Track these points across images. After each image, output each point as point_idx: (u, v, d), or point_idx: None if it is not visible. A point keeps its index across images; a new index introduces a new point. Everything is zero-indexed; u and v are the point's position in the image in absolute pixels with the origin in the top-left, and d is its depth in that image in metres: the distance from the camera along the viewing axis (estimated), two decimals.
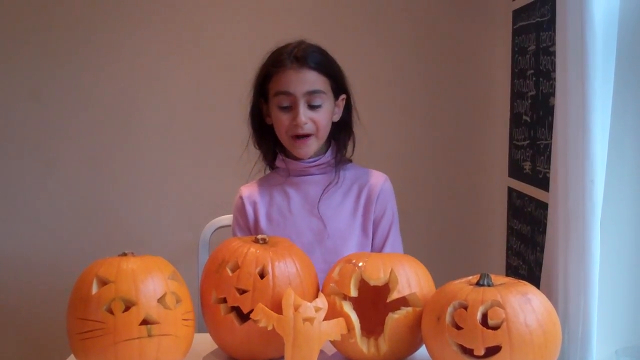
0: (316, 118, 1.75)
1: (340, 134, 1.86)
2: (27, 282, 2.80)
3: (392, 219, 1.85)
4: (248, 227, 1.87)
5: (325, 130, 1.79)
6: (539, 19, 2.18)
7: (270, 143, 1.86)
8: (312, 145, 1.79)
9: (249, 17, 2.68)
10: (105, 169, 2.77)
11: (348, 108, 1.87)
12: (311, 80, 1.74)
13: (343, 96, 1.83)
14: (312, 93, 1.74)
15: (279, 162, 1.86)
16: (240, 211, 1.89)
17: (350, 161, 1.90)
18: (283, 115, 1.76)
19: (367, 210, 1.83)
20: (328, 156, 1.83)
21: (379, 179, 1.87)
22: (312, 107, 1.75)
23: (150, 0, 2.69)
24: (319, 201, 1.81)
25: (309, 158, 1.82)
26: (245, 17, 2.68)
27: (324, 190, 1.82)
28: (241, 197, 1.89)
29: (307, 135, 1.77)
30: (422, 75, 2.70)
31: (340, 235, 1.81)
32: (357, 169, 1.89)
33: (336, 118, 1.83)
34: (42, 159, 2.76)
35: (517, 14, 2.41)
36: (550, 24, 2.05)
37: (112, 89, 2.73)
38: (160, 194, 2.78)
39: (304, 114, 1.74)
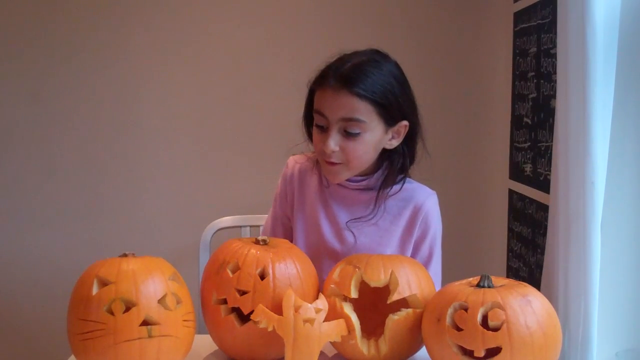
0: (349, 148, 1.56)
1: (394, 161, 1.68)
2: (27, 283, 2.80)
3: (433, 242, 1.74)
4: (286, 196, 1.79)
5: (359, 162, 1.60)
6: (540, 21, 2.18)
7: None
8: (342, 174, 1.62)
9: (250, 17, 2.68)
10: (106, 170, 2.77)
11: (412, 136, 1.68)
12: (349, 106, 1.53)
13: (404, 123, 1.62)
14: (348, 120, 1.54)
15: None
16: (285, 180, 1.79)
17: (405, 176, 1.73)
18: (318, 135, 1.60)
19: (407, 232, 1.71)
20: (373, 180, 1.68)
21: (423, 198, 1.72)
22: (347, 134, 1.56)
23: (151, 1, 2.69)
24: (349, 221, 1.69)
25: (355, 178, 1.68)
26: (247, 18, 2.68)
27: (356, 218, 1.68)
28: (288, 170, 1.79)
29: (336, 163, 1.60)
30: (423, 77, 2.70)
31: (368, 251, 1.68)
32: (405, 185, 1.72)
33: (390, 146, 1.64)
34: (42, 160, 2.77)
35: (518, 16, 2.41)
36: (551, 26, 2.06)
37: (113, 90, 2.73)
38: (161, 195, 2.78)
39: (334, 141, 1.56)
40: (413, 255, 1.72)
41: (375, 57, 1.61)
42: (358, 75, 1.53)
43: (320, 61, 1.65)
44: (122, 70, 2.72)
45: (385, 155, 1.66)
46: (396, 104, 1.58)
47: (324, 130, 1.58)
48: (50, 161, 2.77)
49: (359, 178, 1.68)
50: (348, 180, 1.68)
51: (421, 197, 1.72)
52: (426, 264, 1.73)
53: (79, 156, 2.76)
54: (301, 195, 1.76)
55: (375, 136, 1.58)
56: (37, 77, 2.72)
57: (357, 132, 1.55)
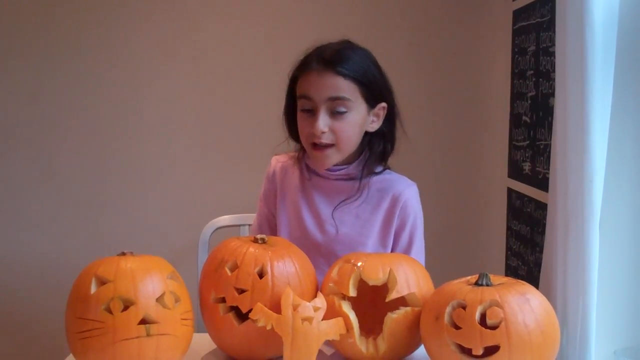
0: (338, 127, 1.61)
1: (374, 145, 1.73)
2: (26, 282, 2.80)
3: (413, 232, 1.75)
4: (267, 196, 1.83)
5: (348, 142, 1.65)
6: (539, 19, 2.18)
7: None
8: (332, 158, 1.66)
9: (250, 18, 2.68)
10: (105, 169, 2.77)
11: (390, 119, 1.74)
12: (335, 85, 1.59)
13: (383, 105, 1.69)
14: (334, 99, 1.60)
15: (308, 162, 1.77)
16: (267, 179, 1.84)
17: (385, 168, 1.78)
18: (304, 120, 1.64)
19: (387, 222, 1.73)
20: (352, 168, 1.71)
21: (401, 188, 1.74)
22: (335, 114, 1.61)
23: (151, 1, 2.69)
24: (334, 209, 1.72)
25: (335, 167, 1.71)
26: (246, 18, 2.68)
27: (340, 202, 1.71)
28: (271, 169, 1.84)
29: (326, 146, 1.64)
30: (422, 75, 2.71)
31: (350, 241, 1.72)
32: (384, 176, 1.76)
33: (372, 128, 1.70)
34: (41, 160, 2.77)
35: (517, 14, 2.41)
36: (550, 25, 2.06)
37: (112, 90, 2.73)
38: (160, 194, 2.78)
39: (323, 121, 1.60)
40: (394, 246, 1.74)
41: (351, 44, 1.67)
42: (340, 57, 1.60)
43: None
44: (121, 71, 2.72)
45: (366, 141, 1.71)
46: (376, 85, 1.66)
47: (311, 114, 1.62)
48: (48, 161, 2.77)
49: (339, 167, 1.71)
50: (329, 170, 1.71)
51: (400, 187, 1.75)
52: (406, 253, 1.74)
53: (77, 156, 2.76)
54: (283, 192, 1.79)
55: (360, 116, 1.64)
56: (37, 77, 2.72)
57: (344, 110, 1.60)
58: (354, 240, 1.72)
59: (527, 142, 2.29)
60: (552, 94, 1.96)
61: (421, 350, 1.42)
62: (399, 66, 2.69)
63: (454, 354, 1.28)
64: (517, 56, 2.42)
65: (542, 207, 2.11)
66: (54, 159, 2.76)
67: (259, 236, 1.49)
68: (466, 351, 1.27)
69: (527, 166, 2.30)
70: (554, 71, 1.82)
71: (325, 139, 1.62)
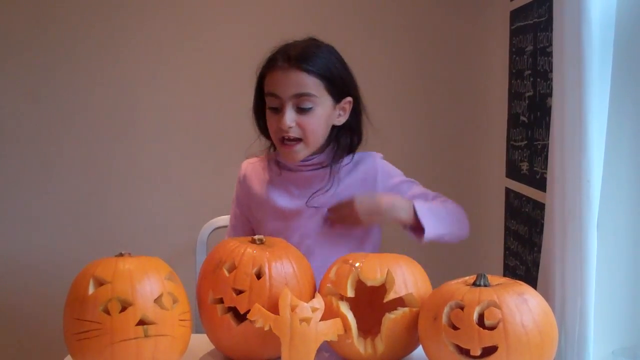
0: (304, 122, 1.67)
1: (341, 138, 1.78)
2: (23, 283, 2.80)
3: (403, 187, 1.82)
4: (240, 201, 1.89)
5: (315, 136, 1.71)
6: (536, 20, 2.18)
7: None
8: (300, 152, 1.72)
9: (248, 17, 2.68)
10: (103, 169, 2.77)
11: (356, 112, 1.79)
12: (299, 82, 1.66)
13: (348, 99, 1.75)
14: (299, 96, 1.66)
15: (278, 156, 1.82)
16: (238, 183, 1.90)
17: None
18: (272, 117, 1.70)
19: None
20: (323, 156, 1.77)
21: (370, 160, 1.82)
22: (300, 110, 1.67)
23: (150, 3, 2.69)
24: (307, 200, 1.76)
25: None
26: (245, 17, 2.68)
27: (313, 194, 1.76)
28: (241, 172, 1.90)
29: (294, 140, 1.69)
30: (419, 75, 2.71)
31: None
32: (351, 158, 1.81)
33: (339, 122, 1.76)
34: (39, 159, 2.76)
35: (515, 15, 2.41)
36: (547, 25, 2.05)
37: (110, 89, 2.73)
38: (158, 194, 2.78)
39: (289, 117, 1.66)
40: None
41: (315, 42, 1.74)
42: (304, 55, 1.66)
43: None
44: (120, 70, 2.72)
45: (333, 134, 1.76)
46: (340, 80, 1.71)
47: (278, 111, 1.68)
48: (47, 161, 2.76)
49: (310, 157, 1.76)
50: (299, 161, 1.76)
51: (368, 160, 1.82)
52: (415, 194, 1.81)
53: (75, 156, 2.76)
54: (255, 192, 1.83)
55: (326, 110, 1.70)
56: (36, 76, 2.72)
57: (310, 106, 1.67)
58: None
59: (525, 142, 2.29)
60: (550, 94, 1.96)
61: (419, 351, 1.42)
62: (396, 66, 2.71)
63: (452, 355, 1.28)
64: (514, 56, 2.42)
65: (540, 207, 2.11)
66: (52, 159, 2.76)
67: (256, 237, 1.49)
68: (464, 352, 1.28)
69: (524, 166, 2.30)
70: (551, 71, 1.82)
71: (293, 134, 1.68)
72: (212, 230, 2.19)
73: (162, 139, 2.75)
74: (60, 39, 2.70)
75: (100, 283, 1.32)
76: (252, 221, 1.88)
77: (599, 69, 1.49)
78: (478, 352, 1.26)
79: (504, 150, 2.57)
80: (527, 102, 2.28)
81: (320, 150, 1.77)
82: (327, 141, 1.77)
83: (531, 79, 2.23)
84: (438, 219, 1.72)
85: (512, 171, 2.47)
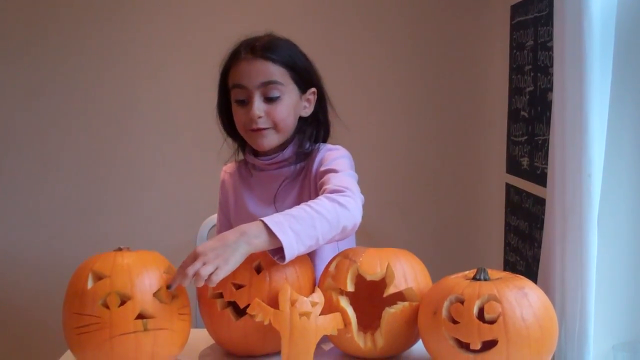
0: (272, 111, 1.63)
1: (306, 130, 1.73)
2: (23, 278, 2.80)
3: (327, 175, 1.60)
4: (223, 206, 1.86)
5: (285, 124, 1.66)
6: (537, 14, 2.17)
7: (240, 137, 1.75)
8: (270, 137, 1.66)
9: (248, 15, 2.67)
10: (103, 166, 2.77)
11: (321, 104, 1.76)
12: (265, 71, 1.63)
13: (312, 90, 1.72)
14: (267, 84, 1.63)
15: (247, 157, 1.78)
16: (220, 189, 1.87)
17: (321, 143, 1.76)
18: (240, 110, 1.66)
19: (306, 179, 1.71)
20: (287, 153, 1.70)
21: (317, 155, 1.70)
22: (268, 99, 1.63)
23: (150, 1, 2.69)
24: (275, 195, 1.71)
25: (269, 155, 1.71)
26: (244, 16, 2.67)
27: (279, 186, 1.70)
28: (221, 179, 1.88)
29: (264, 128, 1.65)
30: (420, 70, 2.70)
31: None
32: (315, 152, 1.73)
33: (306, 113, 1.72)
34: (39, 157, 2.76)
35: (515, 9, 2.41)
36: (548, 19, 2.05)
37: (110, 87, 2.73)
38: (157, 191, 2.78)
39: (258, 107, 1.62)
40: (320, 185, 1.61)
41: (275, 36, 1.72)
42: (268, 45, 1.65)
43: (318, 60, 1.74)
44: (120, 68, 2.72)
45: (298, 127, 1.72)
46: (304, 70, 1.70)
47: (245, 103, 1.65)
48: (46, 158, 2.76)
49: (272, 155, 1.71)
50: (265, 157, 1.71)
51: (319, 155, 1.70)
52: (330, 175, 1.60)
53: (75, 153, 2.76)
54: (231, 202, 1.82)
55: (293, 99, 1.67)
56: (36, 75, 2.72)
57: (277, 95, 1.64)
58: None
59: (525, 137, 2.29)
60: (550, 89, 1.96)
61: (419, 345, 1.42)
62: (396, 62, 2.70)
63: (452, 349, 1.28)
64: (515, 51, 2.42)
65: (541, 202, 2.11)
66: (51, 156, 2.76)
67: None
68: (464, 346, 1.28)
69: (525, 161, 2.30)
70: (552, 66, 1.82)
71: (262, 124, 1.64)
72: (212, 227, 2.19)
73: (162, 135, 2.75)
74: (60, 37, 2.70)
75: (99, 277, 1.32)
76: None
77: (600, 63, 1.49)
78: (478, 346, 1.26)
79: (504, 145, 2.57)
80: (527, 97, 2.27)
81: (285, 145, 1.71)
82: (292, 135, 1.72)
83: (532, 74, 2.22)
84: (303, 226, 1.38)
85: (513, 166, 2.46)
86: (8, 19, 2.70)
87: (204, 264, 1.30)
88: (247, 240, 1.34)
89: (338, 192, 1.47)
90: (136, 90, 2.73)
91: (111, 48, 2.71)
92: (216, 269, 1.30)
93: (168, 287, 1.35)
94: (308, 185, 1.70)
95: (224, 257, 1.32)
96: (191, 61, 2.70)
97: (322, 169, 1.63)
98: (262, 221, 1.36)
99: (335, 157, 1.66)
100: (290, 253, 1.35)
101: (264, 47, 1.64)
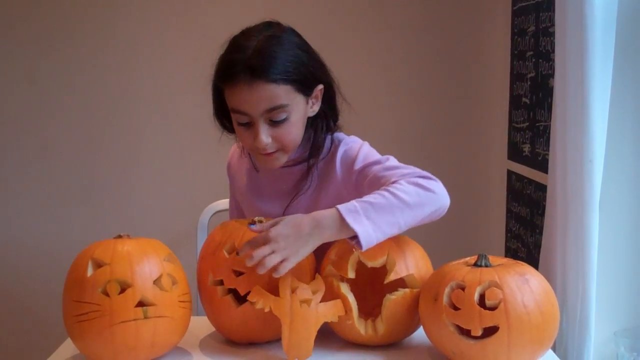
0: (280, 135, 1.48)
1: (318, 126, 1.59)
2: (23, 266, 2.80)
3: (365, 172, 1.53)
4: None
5: (294, 143, 1.53)
6: (538, 0, 2.16)
7: None
8: (280, 158, 1.54)
9: (250, 7, 2.66)
10: (103, 153, 2.76)
11: (329, 94, 1.59)
12: (269, 95, 1.44)
13: (319, 87, 1.54)
14: (271, 110, 1.45)
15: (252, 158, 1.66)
16: (227, 170, 1.80)
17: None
18: (244, 132, 1.51)
19: (343, 185, 1.57)
20: (299, 151, 1.58)
21: (335, 156, 1.58)
22: (274, 123, 1.47)
23: None
24: (287, 206, 1.60)
25: None
26: (246, 7, 2.66)
27: (294, 196, 1.60)
28: (228, 159, 1.79)
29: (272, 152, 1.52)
30: (421, 57, 2.69)
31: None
32: (329, 148, 1.61)
33: (314, 112, 1.56)
34: (37, 143, 2.75)
35: None
36: (549, 5, 2.04)
37: (109, 72, 2.72)
38: (158, 178, 2.77)
39: (264, 134, 1.47)
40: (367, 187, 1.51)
41: (272, 33, 1.50)
42: (267, 61, 1.44)
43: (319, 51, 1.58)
44: (118, 52, 2.71)
45: (309, 124, 1.58)
46: (309, 74, 1.50)
47: (249, 125, 1.49)
48: (46, 144, 2.76)
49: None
50: None
51: (335, 153, 1.60)
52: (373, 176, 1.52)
53: (74, 139, 2.75)
54: (238, 185, 1.76)
55: (300, 112, 1.51)
56: (33, 60, 2.71)
57: (284, 117, 1.47)
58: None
59: (527, 123, 2.28)
60: (552, 75, 1.95)
61: (420, 332, 1.42)
62: (398, 49, 2.69)
63: (453, 335, 1.28)
64: (516, 37, 2.41)
65: (542, 188, 2.10)
66: (49, 142, 2.75)
67: (256, 218, 1.48)
68: (465, 332, 1.27)
69: (526, 148, 2.29)
70: (553, 52, 1.81)
71: (270, 149, 1.50)
72: (213, 214, 2.18)
73: (163, 122, 2.74)
74: (56, 22, 2.68)
75: (98, 265, 1.32)
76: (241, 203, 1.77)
77: (601, 49, 1.48)
78: (479, 333, 1.25)
79: (505, 132, 2.56)
80: (529, 83, 2.27)
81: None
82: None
83: (533, 60, 2.21)
84: (380, 214, 1.35)
85: (514, 153, 2.46)
86: (2, 2, 2.69)
87: (273, 251, 1.30)
88: (320, 233, 1.33)
89: (420, 176, 1.45)
90: (137, 75, 2.72)
91: (110, 31, 2.69)
92: (284, 260, 1.31)
93: (237, 253, 1.38)
94: (327, 181, 1.59)
95: (294, 248, 1.32)
96: (191, 45, 2.68)
97: (359, 166, 1.53)
98: (338, 210, 1.34)
99: (363, 151, 1.56)
100: (367, 242, 1.33)
101: (262, 65, 1.43)
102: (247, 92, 1.44)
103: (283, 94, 1.46)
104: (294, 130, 1.51)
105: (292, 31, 1.55)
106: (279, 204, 1.63)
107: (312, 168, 1.59)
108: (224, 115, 1.60)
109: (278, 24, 1.54)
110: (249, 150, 1.59)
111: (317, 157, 1.59)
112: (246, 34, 1.51)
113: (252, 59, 1.43)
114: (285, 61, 1.46)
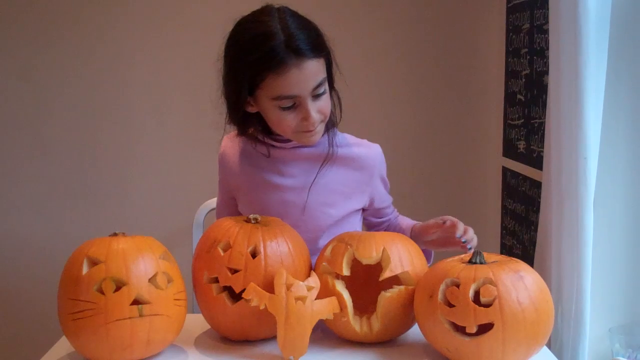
0: (322, 107, 1.50)
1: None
2: (17, 264, 2.80)
3: (384, 184, 1.73)
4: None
5: (329, 112, 1.54)
6: None
7: (256, 127, 1.62)
8: (320, 131, 1.55)
9: (246, 7, 2.65)
10: (98, 151, 2.76)
11: (328, 67, 1.54)
12: (315, 72, 1.45)
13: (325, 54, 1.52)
14: (318, 86, 1.47)
15: (261, 139, 1.63)
16: (219, 164, 1.74)
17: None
18: (287, 116, 1.49)
19: (361, 184, 1.65)
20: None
21: (371, 152, 1.67)
22: (316, 97, 1.48)
23: None
24: (314, 179, 1.61)
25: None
26: (241, 7, 2.65)
27: (320, 167, 1.60)
28: (220, 150, 1.73)
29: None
30: (415, 54, 2.69)
31: (316, 207, 1.63)
32: (347, 140, 1.67)
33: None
34: (32, 140, 2.75)
35: None
36: (544, 2, 2.04)
37: (104, 70, 2.71)
38: (153, 176, 2.77)
39: (314, 111, 1.48)
40: (378, 201, 1.74)
41: (283, 12, 1.48)
42: (303, 38, 1.44)
43: None
44: (113, 49, 2.70)
45: None
46: (324, 42, 1.50)
47: (294, 108, 1.48)
48: (40, 141, 2.75)
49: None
50: (287, 144, 1.62)
51: (365, 144, 1.68)
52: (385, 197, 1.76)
53: (69, 138, 2.75)
54: (237, 170, 1.69)
55: (327, 82, 1.52)
56: (27, 56, 2.70)
57: (323, 90, 1.49)
58: (321, 204, 1.64)
59: (522, 120, 2.29)
60: (547, 72, 1.95)
61: (415, 329, 1.42)
62: (393, 46, 2.69)
63: (448, 332, 1.28)
64: (511, 34, 2.41)
65: (537, 185, 2.11)
66: (44, 139, 2.75)
67: (251, 216, 1.48)
68: (460, 329, 1.27)
69: (521, 144, 2.30)
70: (548, 49, 1.82)
71: (317, 124, 1.52)
72: (209, 212, 2.18)
73: (158, 119, 2.74)
74: (51, 18, 2.68)
75: (94, 263, 1.31)
76: (237, 197, 1.73)
77: (595, 46, 1.48)
78: (474, 330, 1.25)
79: (500, 128, 2.56)
80: (523, 80, 2.27)
81: None
82: None
83: (528, 57, 2.22)
84: None
85: (509, 150, 2.46)
86: None
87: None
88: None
89: None
90: (132, 72, 2.71)
91: (105, 28, 2.69)
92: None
93: (466, 244, 1.55)
94: (344, 172, 1.63)
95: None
96: (188, 42, 2.68)
97: (384, 174, 1.72)
98: None
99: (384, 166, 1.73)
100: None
101: (303, 43, 1.42)
102: (298, 73, 1.43)
103: (322, 67, 1.48)
104: (329, 100, 1.53)
105: (289, 8, 1.52)
106: (301, 174, 1.63)
107: (333, 138, 1.61)
108: (245, 116, 1.58)
109: (273, 6, 1.52)
110: (289, 132, 1.53)
111: (334, 128, 1.61)
112: (258, 21, 1.48)
113: (291, 40, 1.42)
114: (314, 34, 1.47)
